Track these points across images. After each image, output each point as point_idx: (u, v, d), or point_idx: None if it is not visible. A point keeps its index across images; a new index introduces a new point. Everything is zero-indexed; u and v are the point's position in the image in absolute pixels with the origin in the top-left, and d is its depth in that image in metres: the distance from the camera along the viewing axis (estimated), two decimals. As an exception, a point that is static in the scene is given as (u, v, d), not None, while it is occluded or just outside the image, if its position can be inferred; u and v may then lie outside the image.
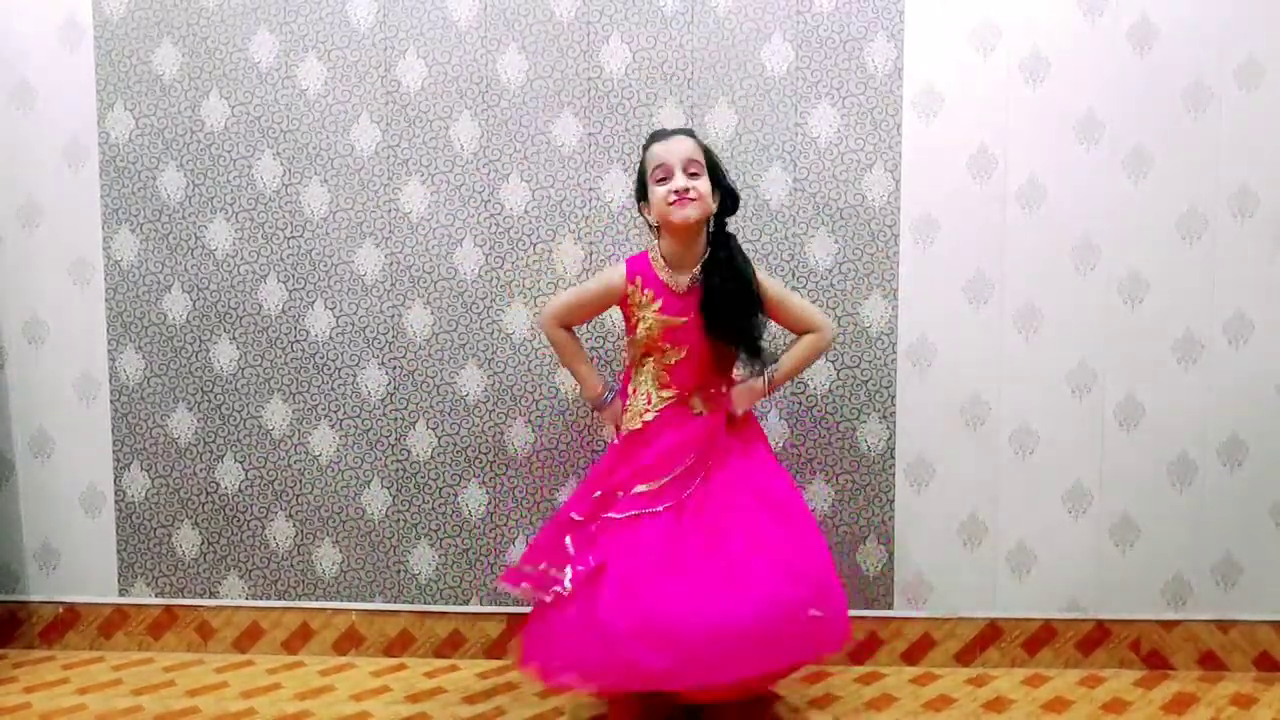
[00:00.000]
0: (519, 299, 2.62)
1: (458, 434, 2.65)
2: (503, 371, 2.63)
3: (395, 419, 2.66)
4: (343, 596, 2.69)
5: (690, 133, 2.19)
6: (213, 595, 2.71)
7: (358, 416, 2.66)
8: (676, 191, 2.05)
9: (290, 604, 2.70)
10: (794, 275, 2.58)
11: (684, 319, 2.13)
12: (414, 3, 2.58)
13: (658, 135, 2.17)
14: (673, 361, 2.15)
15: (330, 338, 2.65)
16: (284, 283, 2.65)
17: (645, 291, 2.15)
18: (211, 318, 2.66)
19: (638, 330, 2.17)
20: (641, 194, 2.17)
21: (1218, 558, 2.59)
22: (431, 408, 2.65)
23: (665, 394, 2.16)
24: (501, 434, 2.64)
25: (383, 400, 2.65)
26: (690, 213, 2.06)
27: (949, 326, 2.58)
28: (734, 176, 2.54)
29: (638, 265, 2.18)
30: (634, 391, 2.22)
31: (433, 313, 2.63)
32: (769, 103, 2.56)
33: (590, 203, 2.58)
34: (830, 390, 2.60)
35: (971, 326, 2.58)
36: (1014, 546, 2.61)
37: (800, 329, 2.26)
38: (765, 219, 2.57)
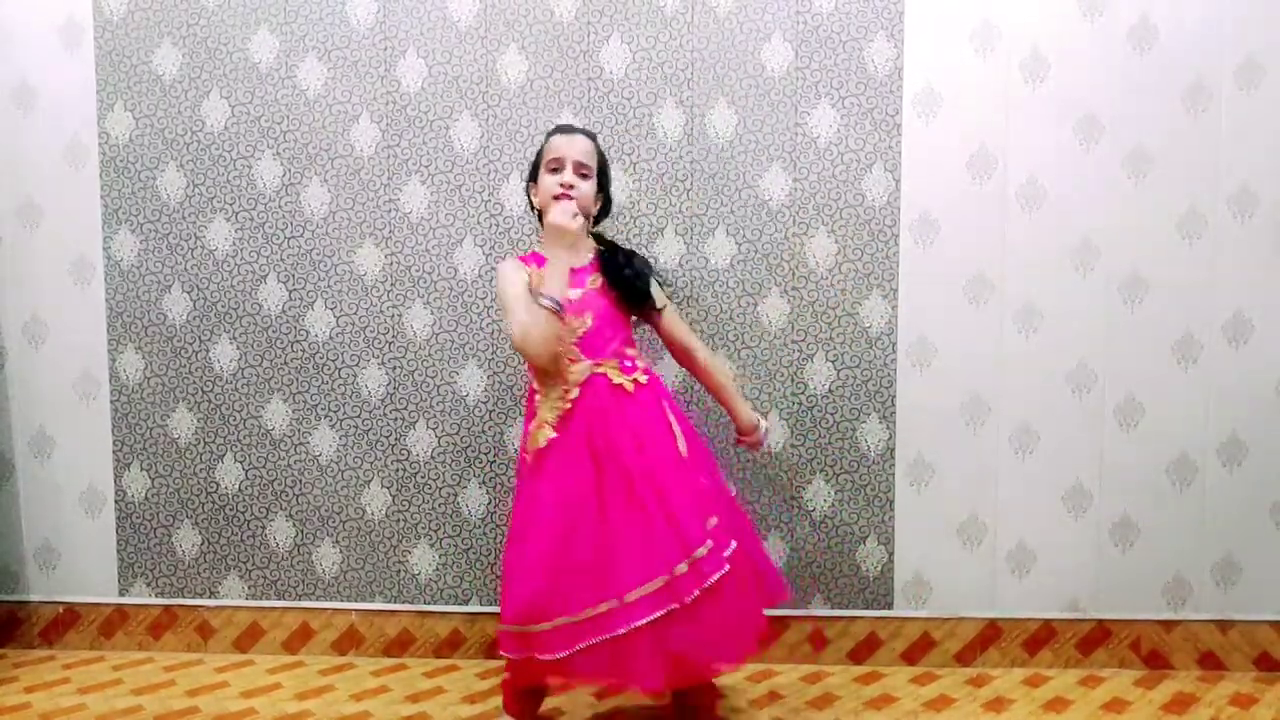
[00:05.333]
0: (519, 299, 2.62)
1: (458, 434, 2.65)
2: (503, 371, 2.63)
3: (395, 419, 2.66)
4: (343, 596, 2.69)
5: (592, 136, 2.26)
6: (213, 595, 2.71)
7: (358, 416, 2.66)
8: (564, 184, 2.16)
9: (290, 604, 2.70)
10: (794, 275, 2.58)
11: (580, 290, 2.16)
12: (414, 3, 2.58)
13: (562, 129, 2.25)
14: (580, 333, 2.15)
15: (330, 338, 2.65)
16: (284, 283, 2.65)
17: (540, 271, 2.14)
18: (211, 318, 2.67)
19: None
20: (534, 176, 2.24)
21: (1218, 558, 2.59)
22: (431, 408, 2.65)
23: (580, 367, 2.14)
24: (501, 434, 2.64)
25: (383, 400, 2.66)
26: (568, 209, 2.12)
27: (949, 326, 2.58)
28: (734, 176, 2.56)
29: (527, 258, 2.20)
30: (543, 385, 2.16)
31: (433, 313, 2.63)
32: (769, 103, 2.56)
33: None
34: (830, 390, 2.60)
35: (971, 326, 2.58)
36: (1014, 546, 2.61)
37: (675, 338, 2.27)
38: (765, 219, 2.58)
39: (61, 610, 2.73)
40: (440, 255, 2.62)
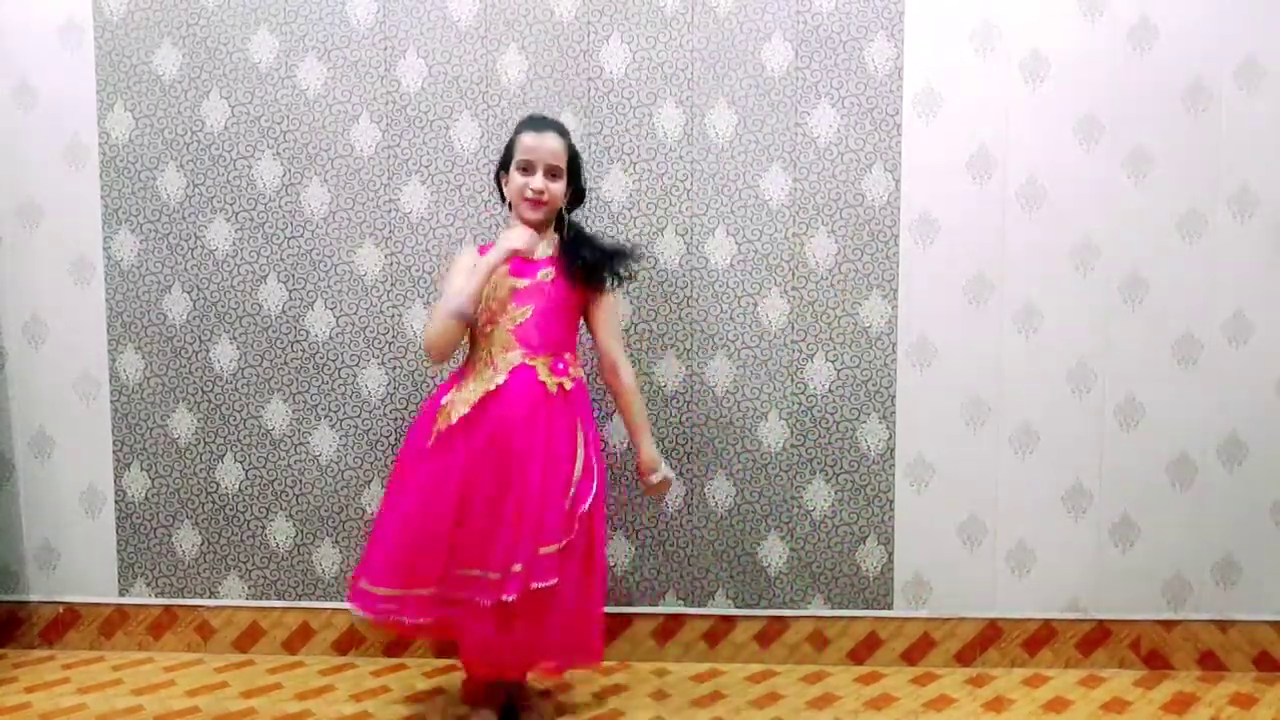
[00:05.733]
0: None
1: (458, 434, 2.65)
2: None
3: (395, 419, 2.66)
4: (343, 596, 2.69)
5: (563, 132, 2.27)
6: (213, 595, 2.71)
7: (358, 416, 2.66)
8: (534, 190, 2.20)
9: (290, 604, 2.70)
10: (794, 275, 2.58)
11: (528, 280, 2.20)
12: (414, 3, 2.58)
13: (533, 123, 2.26)
14: (519, 322, 2.18)
15: (330, 338, 2.65)
16: (284, 283, 2.65)
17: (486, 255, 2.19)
18: (211, 318, 2.66)
19: (483, 295, 2.18)
20: (505, 166, 2.26)
21: (1218, 558, 2.59)
22: (431, 408, 2.65)
23: (512, 355, 2.17)
24: (501, 434, 2.64)
25: (383, 400, 2.66)
26: (537, 215, 2.22)
27: (949, 326, 2.58)
28: (734, 176, 2.56)
29: (488, 246, 2.24)
30: (473, 366, 2.20)
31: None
32: (769, 103, 2.56)
33: (590, 203, 2.58)
34: (830, 390, 2.60)
35: (971, 326, 2.58)
36: (1014, 546, 2.61)
37: (604, 344, 2.27)
38: (765, 219, 2.58)
39: (61, 610, 2.73)
40: (440, 255, 2.62)
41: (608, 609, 2.65)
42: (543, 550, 2.09)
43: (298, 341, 2.66)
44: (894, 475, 2.61)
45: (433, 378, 2.63)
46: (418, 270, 2.63)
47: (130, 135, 2.64)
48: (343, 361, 2.65)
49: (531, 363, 2.17)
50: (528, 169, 2.21)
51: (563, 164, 2.23)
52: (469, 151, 2.60)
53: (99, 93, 2.63)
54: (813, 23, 2.55)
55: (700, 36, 2.56)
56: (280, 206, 2.63)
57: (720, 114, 2.57)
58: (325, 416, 2.67)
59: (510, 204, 2.26)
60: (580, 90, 2.58)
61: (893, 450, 2.61)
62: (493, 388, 2.15)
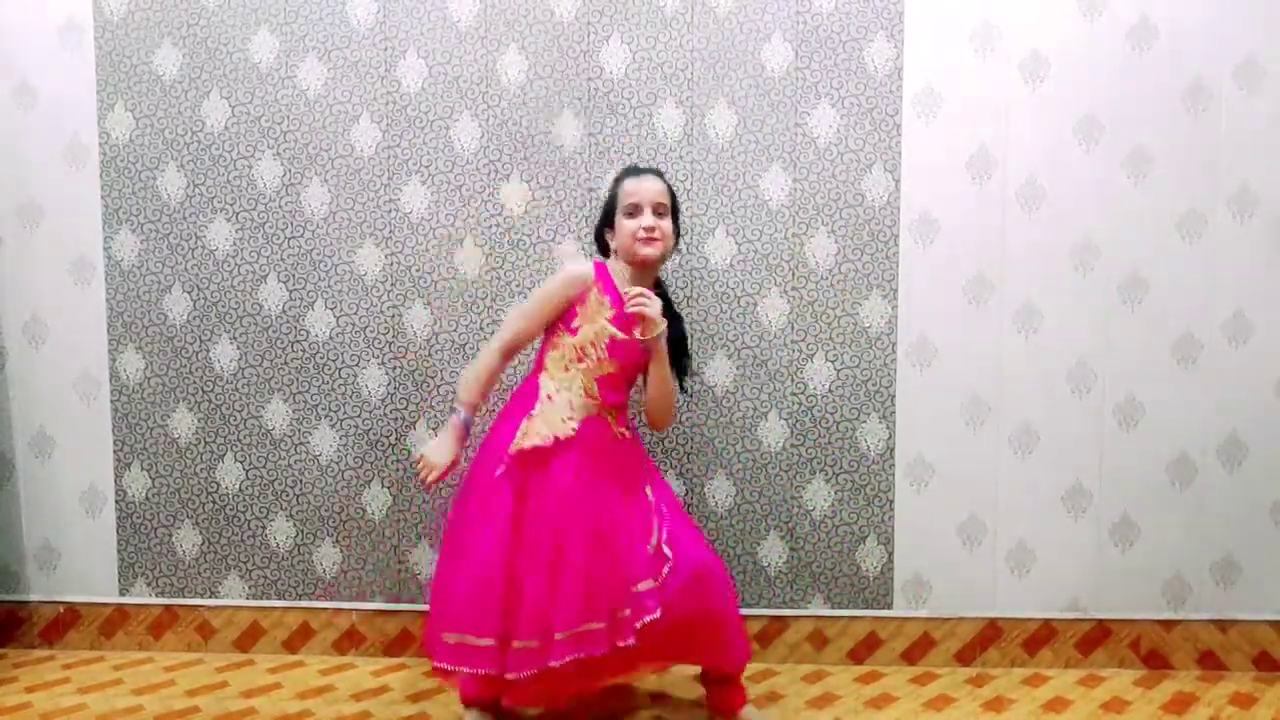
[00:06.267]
0: (518, 299, 2.62)
1: (458, 434, 2.65)
2: (502, 371, 2.63)
3: (395, 419, 2.66)
4: (343, 596, 2.69)
5: (660, 174, 2.27)
6: (213, 595, 2.72)
7: (358, 416, 2.66)
8: (645, 228, 2.17)
9: (290, 604, 2.70)
10: (794, 275, 2.58)
11: (627, 336, 2.17)
12: (414, 3, 2.58)
13: (631, 171, 2.26)
14: (604, 374, 2.18)
15: (330, 338, 2.65)
16: (284, 283, 2.65)
17: (604, 297, 2.19)
18: (211, 318, 2.67)
19: (580, 332, 2.18)
20: (605, 222, 2.27)
21: (1218, 558, 2.59)
22: (431, 408, 2.65)
23: (589, 403, 2.18)
24: (501, 434, 2.64)
25: (383, 400, 2.66)
26: (654, 251, 2.19)
27: (949, 326, 2.58)
28: (734, 176, 2.57)
29: (601, 273, 2.22)
30: (549, 397, 2.18)
31: (433, 313, 2.63)
32: (769, 103, 2.56)
33: (590, 203, 2.59)
34: (830, 390, 2.60)
35: (971, 326, 2.58)
36: (1014, 546, 2.61)
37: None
38: (765, 219, 2.58)
39: (62, 610, 2.73)
40: (440, 255, 2.62)
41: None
42: (639, 588, 2.09)
43: (298, 341, 2.66)
44: (894, 475, 2.61)
45: (434, 380, 2.63)
46: (418, 270, 2.63)
47: (130, 135, 2.64)
48: (343, 361, 2.66)
49: (604, 415, 2.19)
50: (634, 211, 2.19)
51: (668, 202, 2.22)
52: (469, 151, 2.60)
53: (99, 93, 2.64)
54: (813, 23, 2.55)
55: (700, 36, 2.56)
56: (280, 206, 2.64)
57: (720, 114, 2.57)
58: (325, 416, 2.67)
59: (619, 253, 2.22)
60: (580, 90, 2.58)
61: (893, 450, 2.61)
62: (568, 433, 2.14)
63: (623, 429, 2.23)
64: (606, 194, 2.29)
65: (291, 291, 2.65)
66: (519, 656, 2.05)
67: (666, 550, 2.14)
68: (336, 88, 2.61)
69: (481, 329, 2.62)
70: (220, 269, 2.66)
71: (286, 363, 2.66)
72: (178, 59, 2.62)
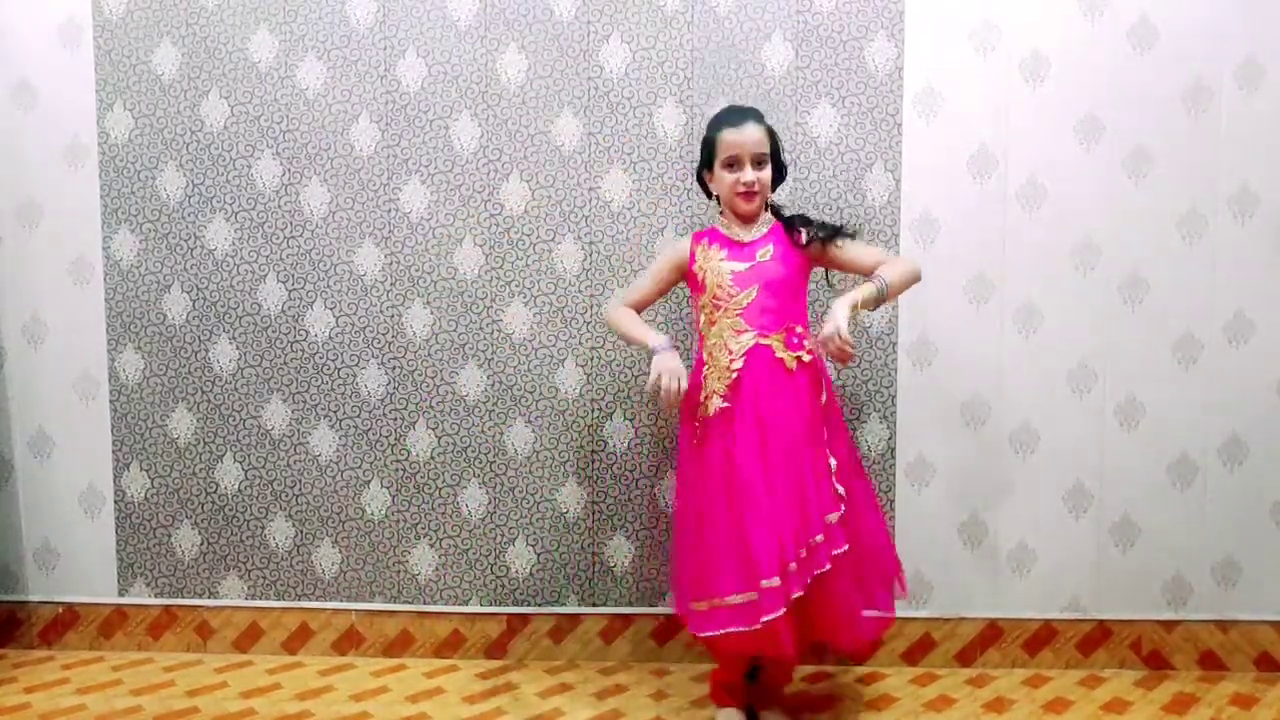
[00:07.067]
0: (519, 299, 2.62)
1: (458, 434, 2.65)
2: (503, 371, 2.63)
3: (395, 419, 2.66)
4: (343, 596, 2.69)
5: (759, 117, 2.23)
6: (212, 595, 2.71)
7: (358, 416, 2.66)
8: (745, 183, 2.19)
9: (290, 604, 2.70)
10: (794, 275, 2.58)
11: (747, 264, 2.21)
12: (414, 2, 2.58)
13: (730, 119, 2.23)
14: (745, 304, 2.20)
15: (330, 338, 2.65)
16: (284, 283, 2.65)
17: (711, 247, 2.25)
18: (211, 318, 2.66)
19: (706, 285, 2.23)
20: (705, 163, 2.27)
21: (1218, 558, 2.59)
22: (431, 408, 2.65)
23: (745, 338, 2.19)
24: (501, 434, 2.64)
25: (383, 400, 2.65)
26: (754, 206, 2.23)
27: (949, 326, 2.58)
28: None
29: (704, 233, 2.31)
30: (711, 356, 2.22)
31: (433, 313, 2.63)
32: (769, 102, 2.55)
33: (590, 203, 2.58)
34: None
35: (971, 326, 2.58)
36: (1014, 546, 2.61)
37: (865, 263, 2.25)
38: (765, 219, 2.57)
39: (61, 610, 2.73)
40: (440, 255, 2.62)
41: (607, 609, 2.66)
42: (828, 518, 2.11)
43: (297, 341, 2.66)
44: (894, 475, 2.61)
45: (434, 380, 2.63)
46: (417, 270, 2.63)
47: (130, 135, 2.64)
48: (342, 361, 2.65)
49: (765, 342, 2.18)
50: (734, 164, 2.20)
51: (767, 150, 2.22)
52: (469, 151, 2.60)
53: (98, 92, 2.63)
54: (813, 23, 2.55)
55: (700, 36, 2.56)
56: (280, 206, 2.63)
57: (720, 114, 2.56)
58: (325, 416, 2.66)
59: (719, 199, 2.26)
60: (580, 90, 2.58)
61: (893, 450, 2.61)
62: (734, 375, 2.17)
63: (794, 353, 2.19)
64: (703, 135, 2.27)
65: (291, 291, 2.65)
66: (769, 597, 2.03)
67: (839, 488, 2.16)
68: (336, 87, 2.60)
69: (481, 329, 2.62)
70: (219, 269, 2.65)
71: (286, 363, 2.66)
72: (177, 58, 2.62)
